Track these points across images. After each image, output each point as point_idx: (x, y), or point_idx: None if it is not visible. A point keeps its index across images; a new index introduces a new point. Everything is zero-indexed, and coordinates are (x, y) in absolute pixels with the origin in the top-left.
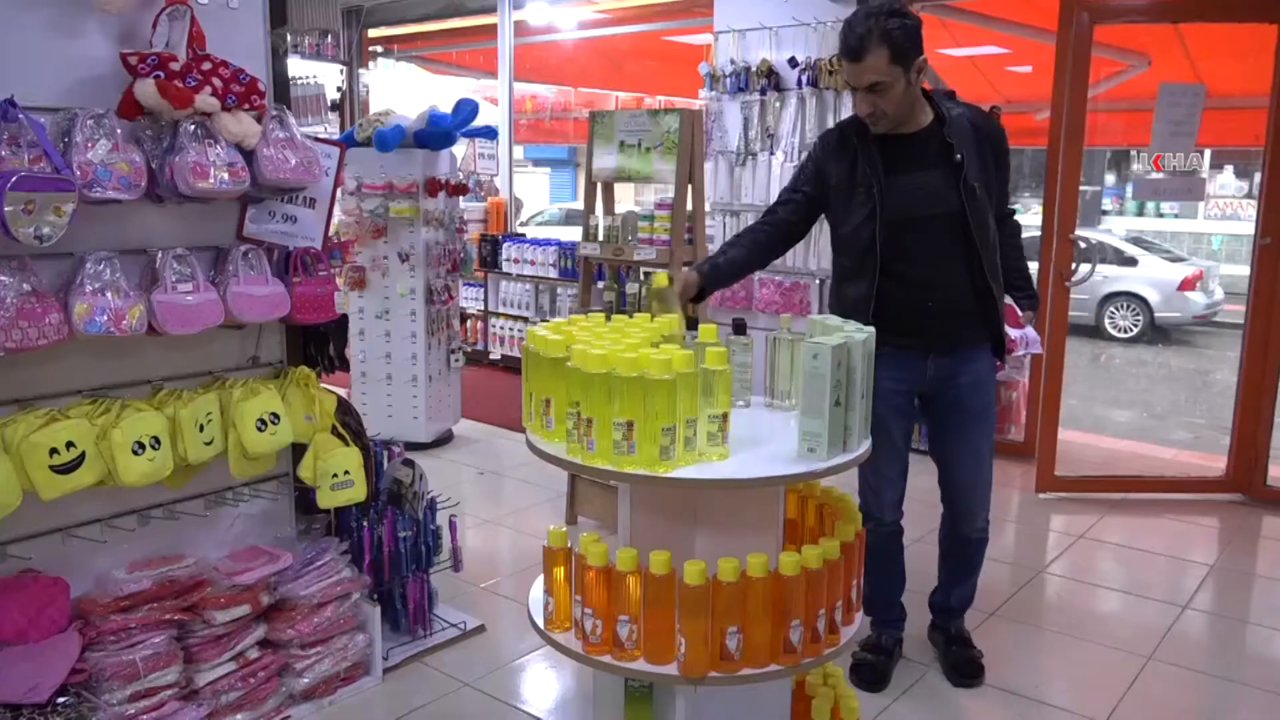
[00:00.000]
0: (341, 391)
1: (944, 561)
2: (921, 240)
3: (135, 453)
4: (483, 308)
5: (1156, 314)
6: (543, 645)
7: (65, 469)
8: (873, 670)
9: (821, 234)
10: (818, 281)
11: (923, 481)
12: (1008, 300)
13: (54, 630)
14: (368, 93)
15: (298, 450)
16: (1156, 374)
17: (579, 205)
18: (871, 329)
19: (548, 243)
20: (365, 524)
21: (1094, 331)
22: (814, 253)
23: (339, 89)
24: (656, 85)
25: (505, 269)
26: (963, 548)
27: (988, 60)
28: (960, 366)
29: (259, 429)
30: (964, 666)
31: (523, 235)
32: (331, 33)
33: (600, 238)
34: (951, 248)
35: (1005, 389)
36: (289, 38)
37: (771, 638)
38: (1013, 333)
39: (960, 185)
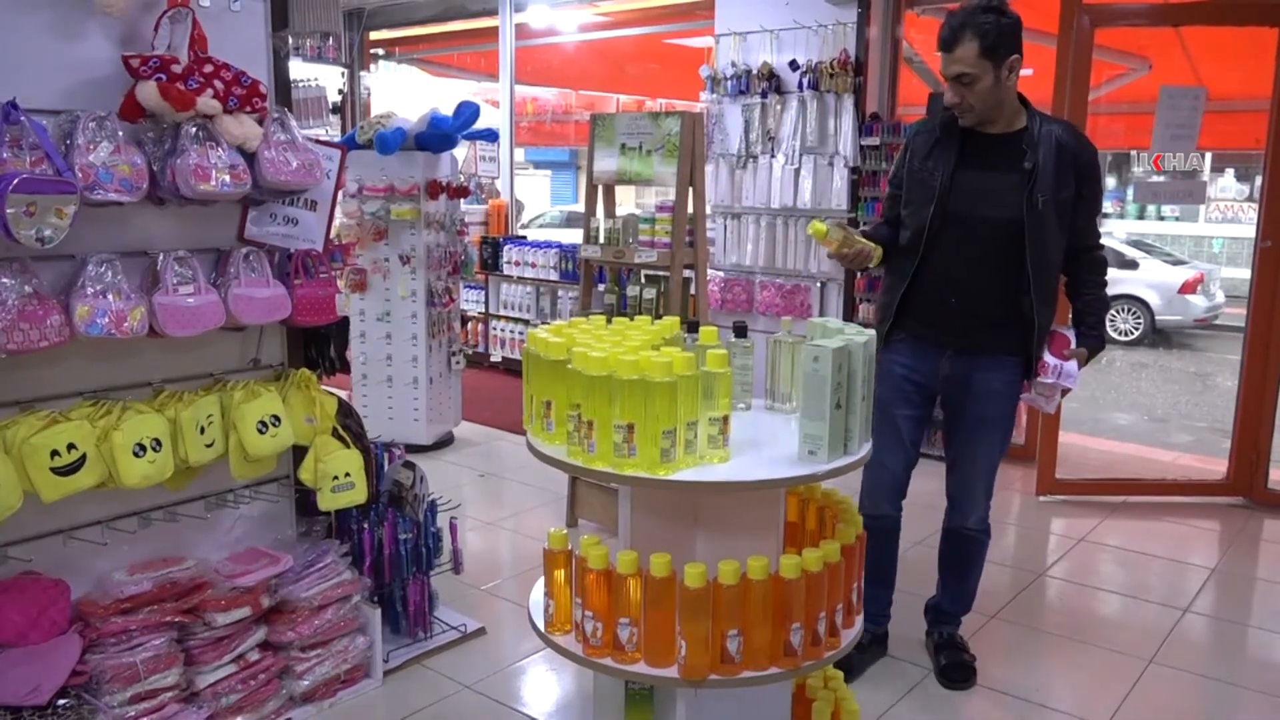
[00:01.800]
0: (342, 394)
1: (940, 560)
2: (969, 239)
3: (136, 455)
4: (483, 310)
5: (1157, 317)
6: (543, 648)
7: (66, 471)
8: (845, 660)
9: None
10: (818, 284)
11: (926, 484)
12: (1065, 330)
13: (54, 632)
14: (369, 95)
15: (298, 452)
16: (1157, 377)
17: (580, 208)
18: (871, 332)
19: (549, 245)
20: (366, 526)
21: None
22: (814, 256)
23: (340, 91)
24: (657, 88)
25: (506, 271)
26: (956, 543)
27: None
28: (975, 373)
29: (260, 431)
30: (951, 670)
31: (524, 238)
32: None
33: (601, 240)
34: (997, 254)
35: None
36: (290, 40)
37: (772, 640)
38: (1050, 360)
39: (1025, 195)
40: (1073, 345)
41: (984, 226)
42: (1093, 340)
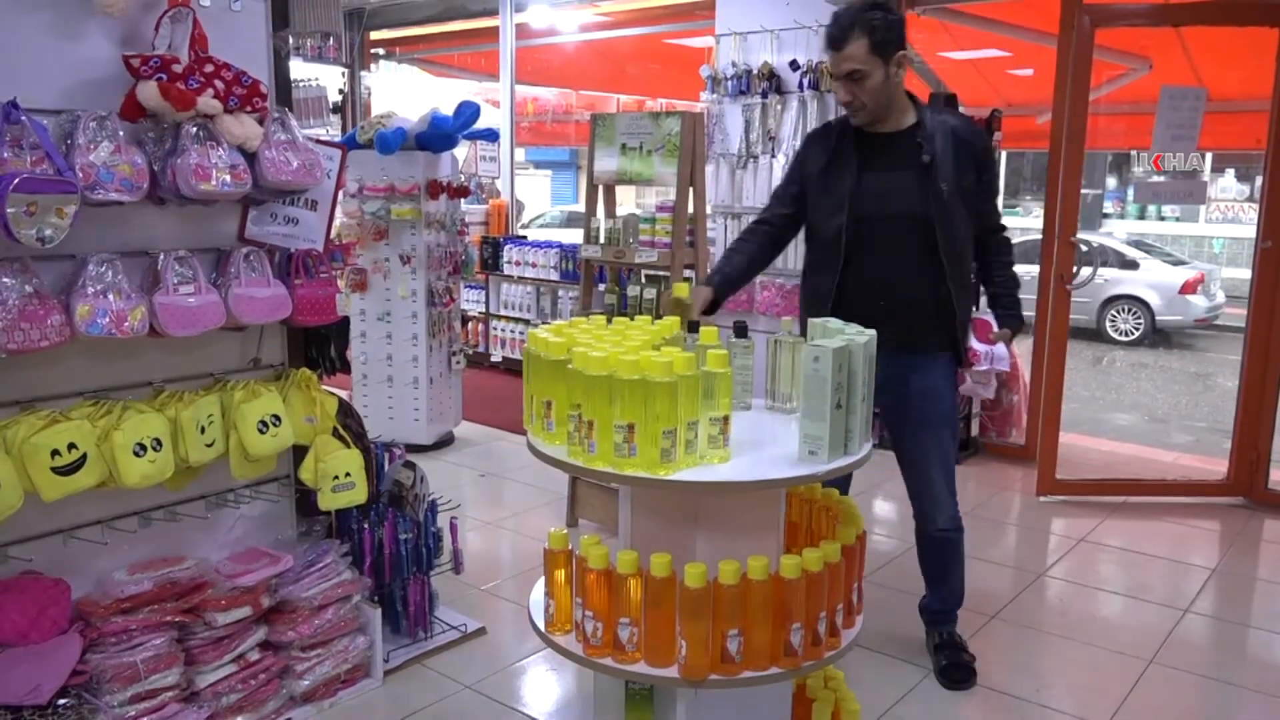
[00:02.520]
0: (342, 393)
1: (922, 565)
2: (886, 239)
3: (136, 454)
4: (484, 310)
5: (1158, 317)
6: (543, 648)
7: (67, 470)
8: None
9: None
10: None
11: None
12: (984, 315)
13: (55, 632)
14: (369, 95)
15: (299, 452)
16: (1157, 377)
17: (580, 208)
18: (872, 332)
19: (549, 245)
20: (366, 526)
21: (1095, 335)
22: None
23: (341, 91)
24: (658, 88)
25: (506, 271)
26: (929, 547)
27: (989, 63)
28: (912, 373)
29: (260, 431)
30: (952, 671)
31: (524, 238)
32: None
33: (601, 240)
34: (915, 250)
35: (1006, 391)
36: (291, 40)
37: (772, 640)
38: (979, 347)
39: (929, 188)
40: (995, 329)
41: (896, 225)
42: (1012, 320)
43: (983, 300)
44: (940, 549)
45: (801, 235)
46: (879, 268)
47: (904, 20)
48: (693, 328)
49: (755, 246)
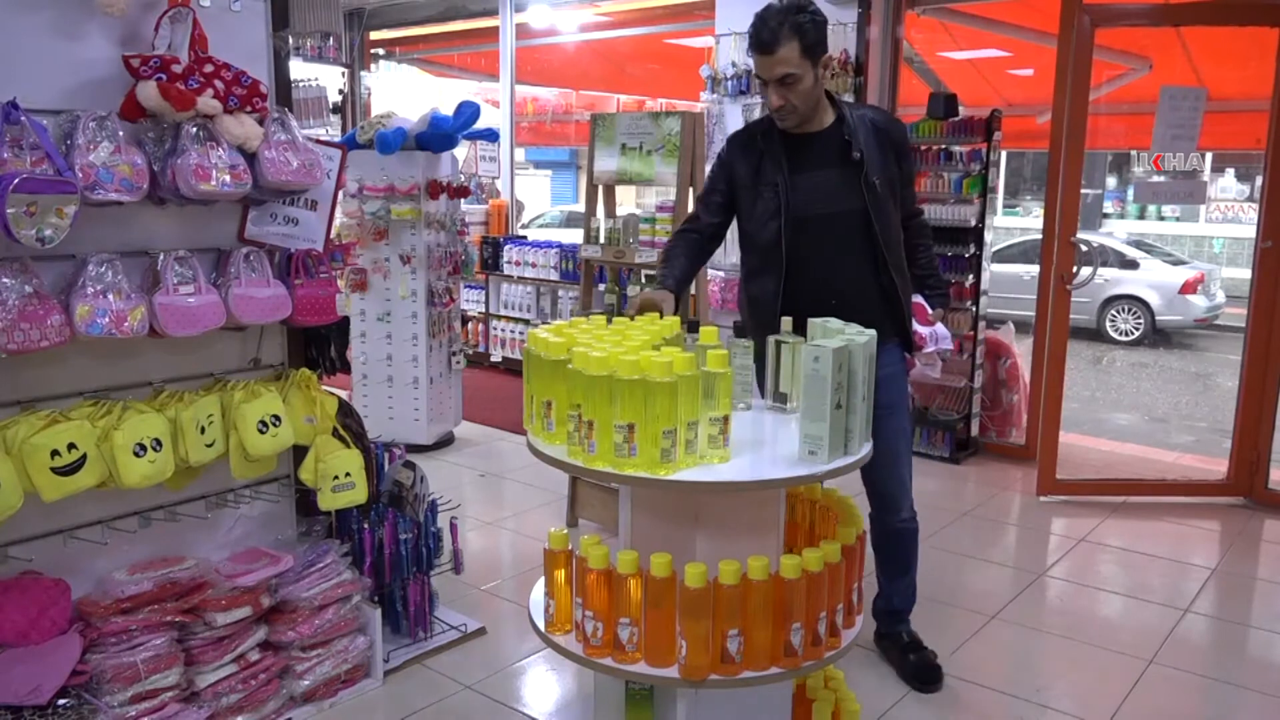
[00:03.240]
0: (342, 394)
1: (881, 561)
2: (825, 237)
3: (136, 454)
4: (484, 310)
5: (1158, 317)
6: (543, 648)
7: (67, 471)
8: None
9: None
10: None
11: (924, 484)
12: (918, 299)
13: (55, 632)
14: (369, 95)
15: (299, 452)
16: (1158, 377)
17: (580, 208)
18: (872, 332)
19: (549, 245)
20: (366, 526)
21: (1095, 334)
22: None
23: (341, 91)
24: (658, 88)
25: (506, 271)
26: (893, 539)
27: (989, 63)
28: None
29: (260, 431)
30: (924, 673)
31: (524, 238)
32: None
33: (601, 240)
34: (855, 244)
35: (1005, 391)
36: (291, 40)
37: (772, 640)
38: (922, 330)
39: (861, 182)
40: (929, 311)
41: (837, 221)
42: (940, 298)
43: None
44: (903, 539)
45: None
46: (823, 266)
47: (827, 21)
48: (693, 328)
49: (692, 251)
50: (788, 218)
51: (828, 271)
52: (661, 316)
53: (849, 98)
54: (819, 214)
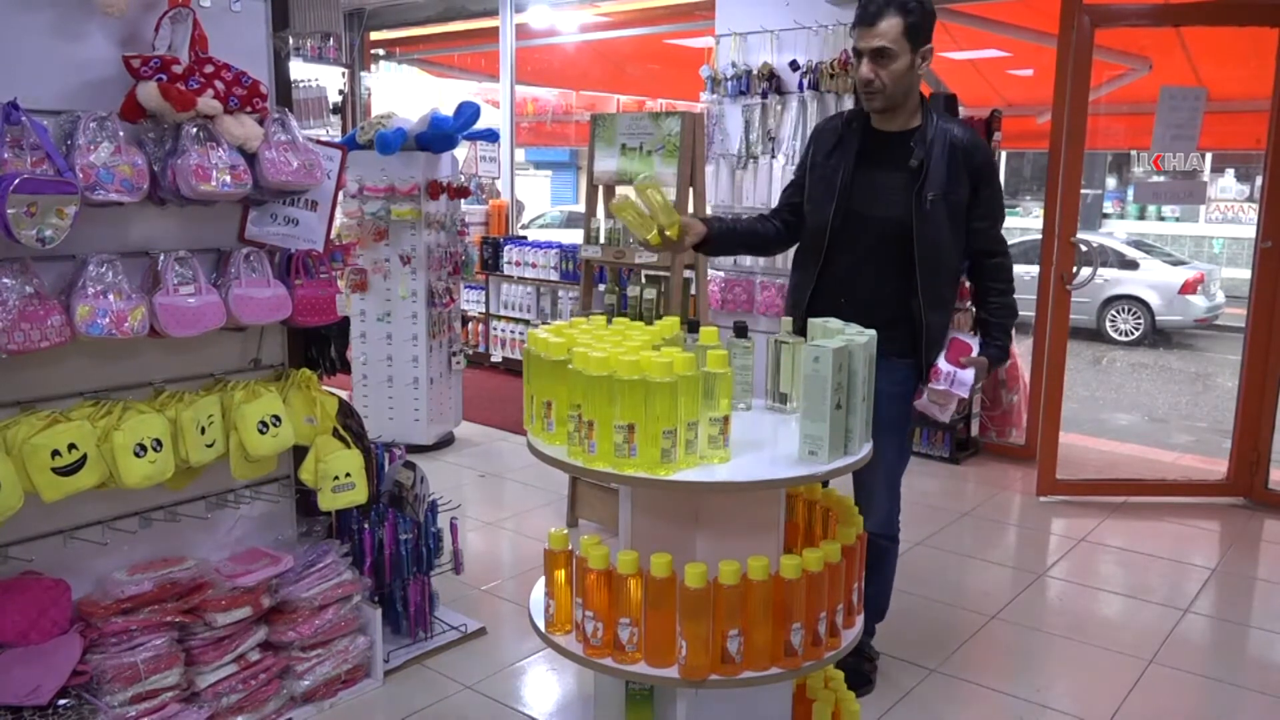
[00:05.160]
0: (343, 394)
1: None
2: (863, 238)
3: (137, 455)
4: (484, 310)
5: (1158, 317)
6: (544, 648)
7: (67, 471)
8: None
9: None
10: None
11: (923, 484)
12: (963, 336)
13: (55, 632)
14: (369, 95)
15: (299, 452)
16: (1157, 377)
17: (580, 208)
18: (872, 332)
19: (549, 245)
20: (366, 526)
21: (1095, 334)
22: None
23: (341, 92)
24: (658, 88)
25: (506, 271)
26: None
27: (989, 64)
28: None
29: (260, 431)
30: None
31: (524, 238)
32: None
33: (601, 240)
34: (888, 254)
35: (1005, 391)
36: (291, 40)
37: (772, 641)
38: (945, 366)
39: (915, 193)
40: (973, 354)
41: (875, 225)
42: (994, 351)
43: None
44: (870, 552)
45: None
46: (849, 266)
47: (935, 15)
48: (693, 328)
49: (762, 224)
50: (838, 208)
51: (855, 273)
52: (668, 234)
53: (850, 99)
54: (866, 214)
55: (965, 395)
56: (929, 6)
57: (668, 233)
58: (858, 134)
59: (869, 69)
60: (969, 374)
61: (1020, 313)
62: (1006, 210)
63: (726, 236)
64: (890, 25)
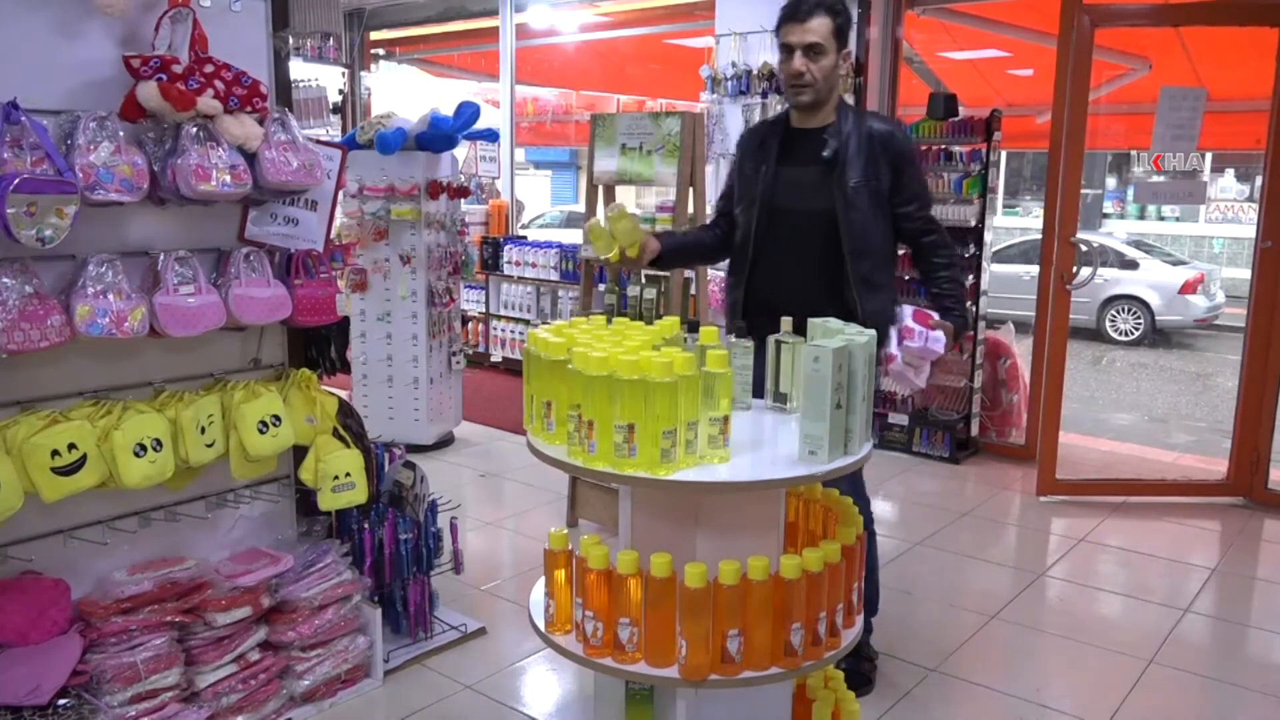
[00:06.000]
0: (343, 394)
1: None
2: (790, 234)
3: (136, 454)
4: (484, 310)
5: (1157, 317)
6: (543, 648)
7: (67, 471)
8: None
9: None
10: None
11: (923, 484)
12: (914, 310)
13: (55, 632)
14: (369, 95)
15: (299, 452)
16: (1157, 377)
17: (580, 208)
18: (872, 332)
19: (549, 245)
20: (366, 526)
21: (1095, 334)
22: None
23: (341, 92)
24: (658, 88)
25: (506, 271)
26: None
27: (989, 64)
28: None
29: (260, 431)
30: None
31: (524, 238)
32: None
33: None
34: (817, 247)
35: (1005, 391)
36: (291, 40)
37: (772, 640)
38: (916, 326)
39: (835, 183)
40: (932, 316)
41: (802, 220)
42: (955, 319)
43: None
44: None
45: None
46: (782, 262)
47: (854, 24)
48: (693, 328)
49: (706, 234)
50: (762, 207)
51: (786, 268)
52: (627, 254)
53: (849, 98)
54: (792, 209)
55: (940, 351)
56: (850, 12)
57: (628, 252)
58: (778, 134)
59: (801, 63)
60: (939, 334)
61: (1020, 312)
62: (1005, 210)
63: (677, 250)
64: (821, 23)
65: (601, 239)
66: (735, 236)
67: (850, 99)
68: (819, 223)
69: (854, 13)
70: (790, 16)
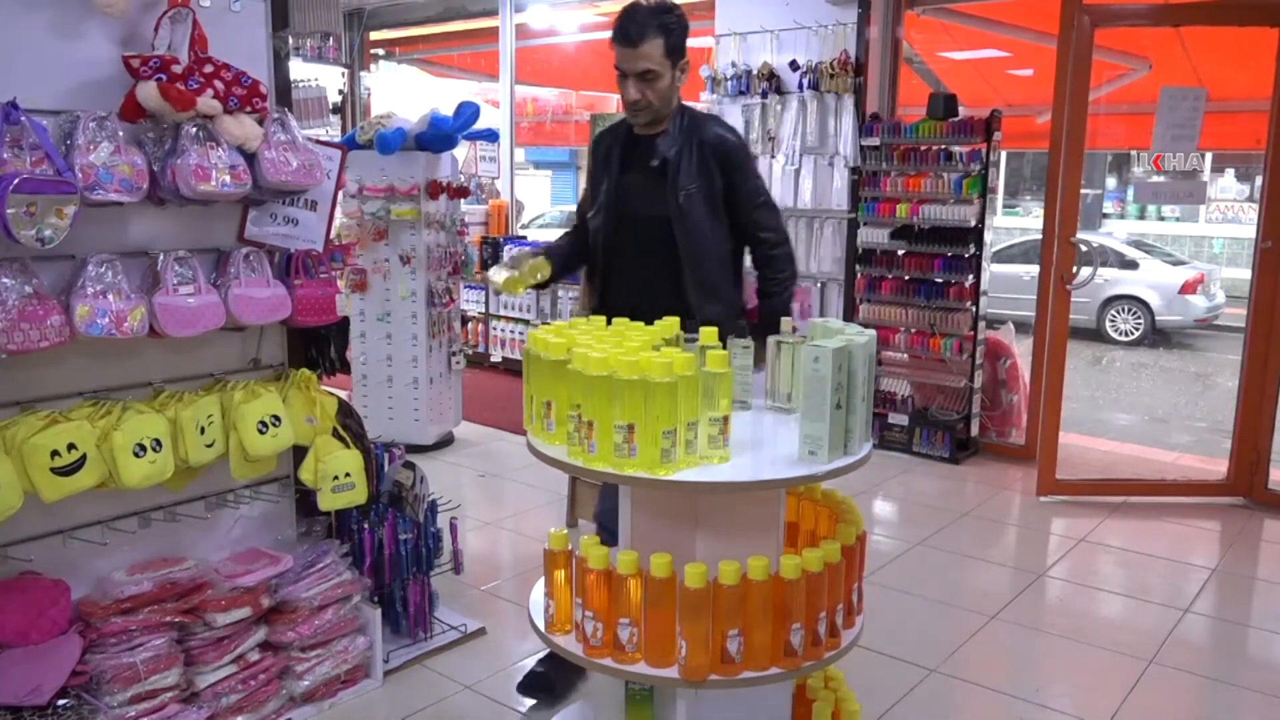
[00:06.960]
0: (342, 394)
1: None
2: (635, 239)
3: (136, 455)
4: (484, 310)
5: (1157, 317)
6: (543, 648)
7: (66, 471)
8: (541, 679)
9: (822, 237)
10: (818, 284)
11: (923, 484)
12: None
13: (55, 632)
14: (369, 95)
15: (298, 452)
16: (1157, 377)
17: None
18: (872, 332)
19: None
20: (366, 526)
21: (1095, 335)
22: (815, 255)
23: (340, 92)
24: None
25: None
26: None
27: (989, 64)
28: None
29: (260, 431)
30: (531, 678)
31: (524, 238)
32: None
33: None
34: (659, 252)
35: (1005, 391)
36: (290, 40)
37: (772, 640)
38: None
39: (669, 189)
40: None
41: (644, 225)
42: (758, 330)
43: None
44: None
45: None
46: (628, 269)
47: (689, 28)
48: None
49: (579, 241)
50: (609, 213)
51: (631, 275)
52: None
53: (849, 98)
54: (635, 215)
55: None
56: (685, 21)
57: (541, 277)
58: (620, 141)
59: (636, 90)
60: None
61: (1020, 312)
62: (1005, 210)
63: (564, 265)
64: (653, 47)
65: (515, 285)
66: (594, 244)
67: (850, 99)
68: (659, 229)
69: (854, 13)
70: (621, 39)
